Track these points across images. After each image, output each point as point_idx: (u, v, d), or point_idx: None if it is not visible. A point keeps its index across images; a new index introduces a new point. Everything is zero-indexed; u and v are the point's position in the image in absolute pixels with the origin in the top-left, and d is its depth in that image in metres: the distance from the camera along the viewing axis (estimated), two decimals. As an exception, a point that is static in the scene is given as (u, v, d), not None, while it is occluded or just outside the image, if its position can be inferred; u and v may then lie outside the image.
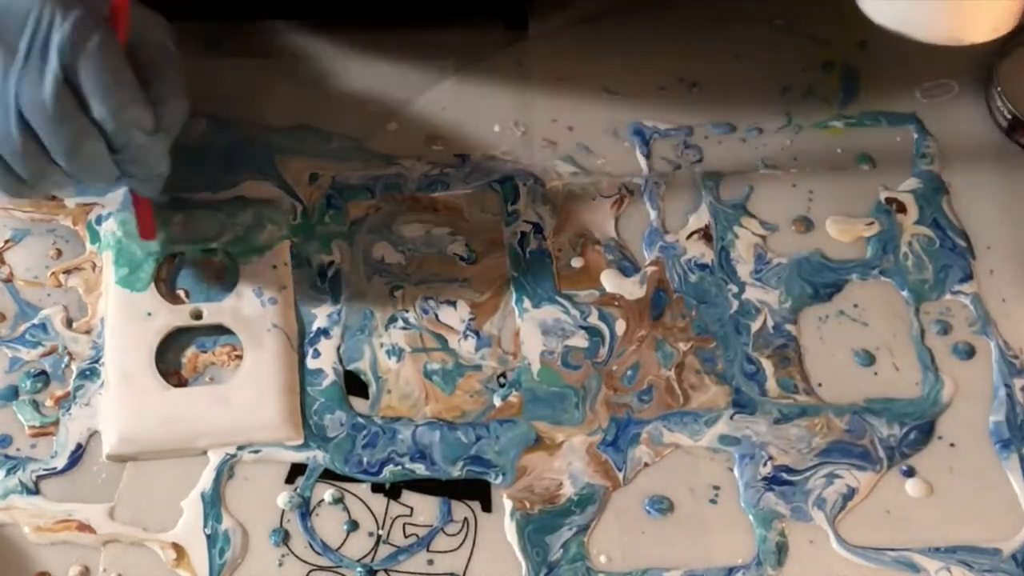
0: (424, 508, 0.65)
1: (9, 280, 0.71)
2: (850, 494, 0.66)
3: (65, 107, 0.60)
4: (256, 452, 0.66)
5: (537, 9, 0.81)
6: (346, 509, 0.65)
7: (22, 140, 0.61)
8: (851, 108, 0.79)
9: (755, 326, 0.71)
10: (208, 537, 0.64)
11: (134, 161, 0.64)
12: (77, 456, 0.66)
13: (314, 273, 0.71)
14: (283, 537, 0.64)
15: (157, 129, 0.63)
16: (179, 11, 0.79)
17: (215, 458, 0.66)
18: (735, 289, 0.72)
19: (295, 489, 0.65)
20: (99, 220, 0.72)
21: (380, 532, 0.65)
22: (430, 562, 0.64)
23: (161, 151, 0.65)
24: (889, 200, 0.75)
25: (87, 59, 0.60)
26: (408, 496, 0.66)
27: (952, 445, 0.68)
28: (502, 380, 0.69)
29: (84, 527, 0.64)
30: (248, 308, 0.69)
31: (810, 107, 0.79)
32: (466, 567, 0.64)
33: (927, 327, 0.71)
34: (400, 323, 0.70)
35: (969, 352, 0.71)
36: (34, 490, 0.65)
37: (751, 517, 0.65)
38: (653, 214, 0.75)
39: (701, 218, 0.75)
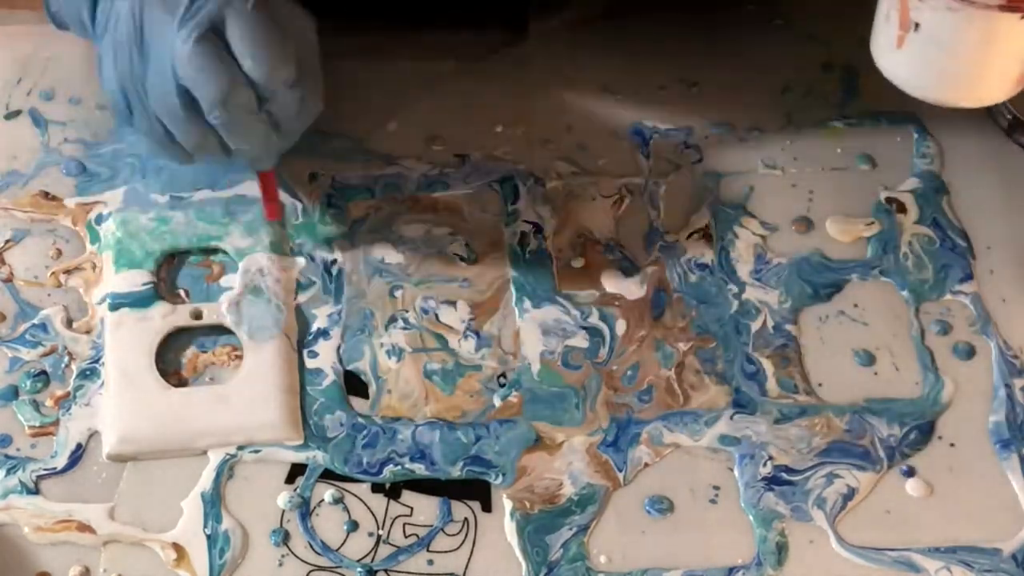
0: (424, 508, 0.65)
1: (9, 280, 0.71)
2: (850, 494, 0.66)
3: (210, 58, 0.61)
4: (256, 452, 0.66)
5: (537, 9, 0.81)
6: (346, 509, 0.65)
7: (176, 96, 0.62)
8: (851, 108, 0.79)
9: (755, 326, 0.71)
10: (208, 537, 0.64)
11: (277, 125, 0.65)
12: (77, 456, 0.66)
13: (319, 271, 0.71)
14: (283, 537, 0.64)
15: (296, 112, 0.65)
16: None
17: (215, 458, 0.66)
18: (735, 289, 0.72)
19: (295, 489, 0.65)
20: (99, 220, 0.72)
21: (380, 532, 0.65)
22: (430, 562, 0.64)
23: (288, 141, 0.67)
24: (889, 200, 0.76)
25: (236, 15, 0.61)
26: (408, 496, 0.66)
27: (952, 445, 0.68)
28: (502, 380, 0.69)
29: (84, 527, 0.64)
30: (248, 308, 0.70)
31: (810, 107, 0.79)
32: (466, 567, 0.64)
33: (927, 327, 0.71)
34: (400, 323, 0.70)
35: (969, 352, 0.71)
36: (34, 490, 0.65)
37: (751, 517, 0.65)
38: (653, 214, 0.75)
39: (701, 218, 0.75)
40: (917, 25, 0.62)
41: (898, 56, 0.64)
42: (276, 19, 0.63)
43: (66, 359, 0.68)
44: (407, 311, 0.71)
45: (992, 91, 0.64)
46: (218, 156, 0.67)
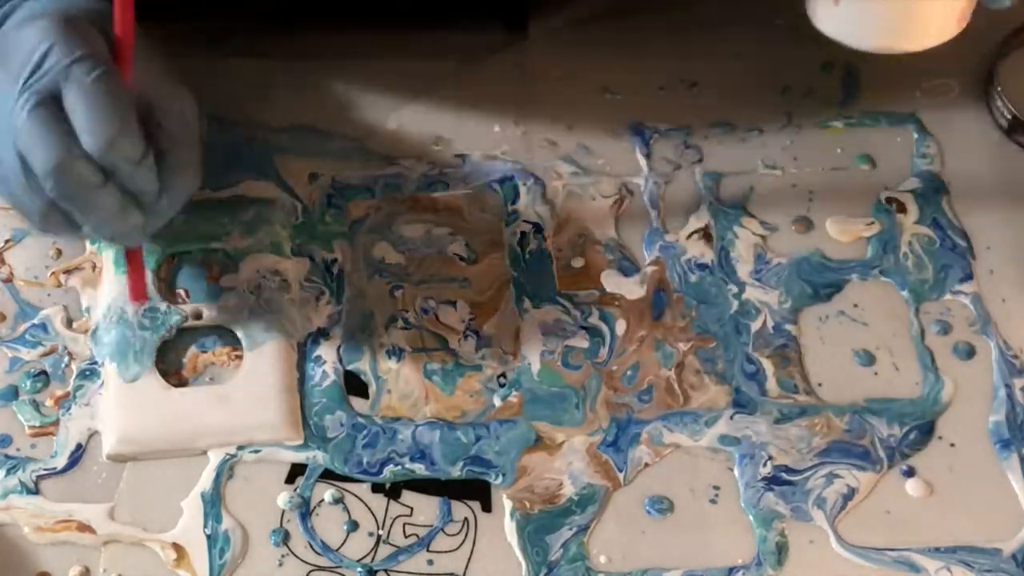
0: (424, 508, 0.65)
1: (9, 280, 0.71)
2: (850, 494, 0.66)
3: (45, 127, 0.58)
4: (256, 452, 0.66)
5: (537, 9, 0.81)
6: (346, 509, 0.65)
7: (16, 164, 0.60)
8: (851, 108, 0.79)
9: (755, 326, 0.71)
10: (208, 537, 0.64)
11: (138, 203, 0.61)
12: (77, 456, 0.66)
13: (321, 271, 0.71)
14: (283, 537, 0.64)
15: (156, 189, 0.61)
16: (181, 10, 0.79)
17: (215, 458, 0.66)
18: (735, 289, 0.72)
19: (295, 489, 0.65)
20: (99, 220, 0.72)
21: (380, 532, 0.65)
22: (430, 562, 0.64)
23: (158, 218, 0.63)
24: (889, 200, 0.75)
25: (75, 85, 0.58)
26: (408, 496, 0.66)
27: (952, 445, 0.68)
28: (502, 380, 0.69)
29: (84, 527, 0.64)
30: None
31: (810, 107, 0.79)
32: (466, 567, 0.64)
33: (927, 327, 0.71)
34: (400, 323, 0.70)
35: (969, 352, 0.71)
36: (34, 490, 0.65)
37: (751, 517, 0.65)
38: (653, 214, 0.75)
39: (701, 218, 0.75)
40: None
41: (837, 11, 0.64)
42: (147, 94, 0.60)
43: (66, 359, 0.68)
44: (407, 311, 0.71)
45: (936, 32, 0.64)
46: (68, 231, 0.62)
